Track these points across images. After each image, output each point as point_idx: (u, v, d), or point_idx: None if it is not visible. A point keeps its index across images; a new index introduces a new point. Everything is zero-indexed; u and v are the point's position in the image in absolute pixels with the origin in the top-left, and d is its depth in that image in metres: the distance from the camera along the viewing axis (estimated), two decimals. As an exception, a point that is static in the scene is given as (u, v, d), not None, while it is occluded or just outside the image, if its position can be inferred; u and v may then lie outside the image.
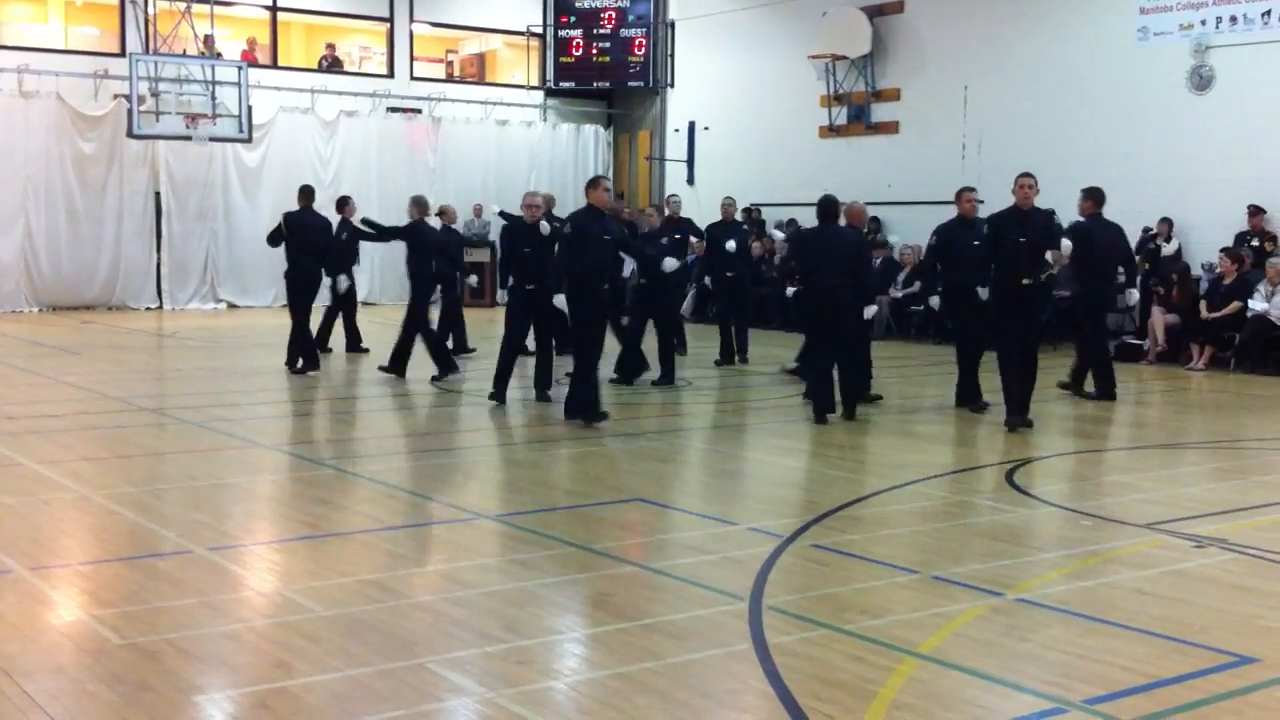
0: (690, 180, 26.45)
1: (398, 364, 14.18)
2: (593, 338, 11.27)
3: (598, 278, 11.19)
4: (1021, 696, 4.90)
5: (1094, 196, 13.47)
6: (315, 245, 14.88)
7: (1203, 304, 16.56)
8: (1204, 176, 18.06)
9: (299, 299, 14.81)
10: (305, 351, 14.75)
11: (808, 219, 22.02)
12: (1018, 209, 11.16)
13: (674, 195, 19.65)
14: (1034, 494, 8.72)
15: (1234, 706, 4.83)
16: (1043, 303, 11.48)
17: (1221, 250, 16.90)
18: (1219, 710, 4.78)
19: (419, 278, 14.43)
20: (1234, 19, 18.05)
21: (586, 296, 11.13)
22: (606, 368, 13.37)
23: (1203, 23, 18.38)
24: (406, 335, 14.27)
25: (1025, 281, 10.98)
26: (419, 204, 14.67)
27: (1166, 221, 18.09)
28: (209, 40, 23.36)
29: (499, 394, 12.28)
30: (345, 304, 16.87)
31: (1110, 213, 13.36)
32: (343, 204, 17.21)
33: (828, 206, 12.03)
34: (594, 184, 11.52)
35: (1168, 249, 18.04)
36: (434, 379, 13.94)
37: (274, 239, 15.08)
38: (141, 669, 5.06)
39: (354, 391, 13.62)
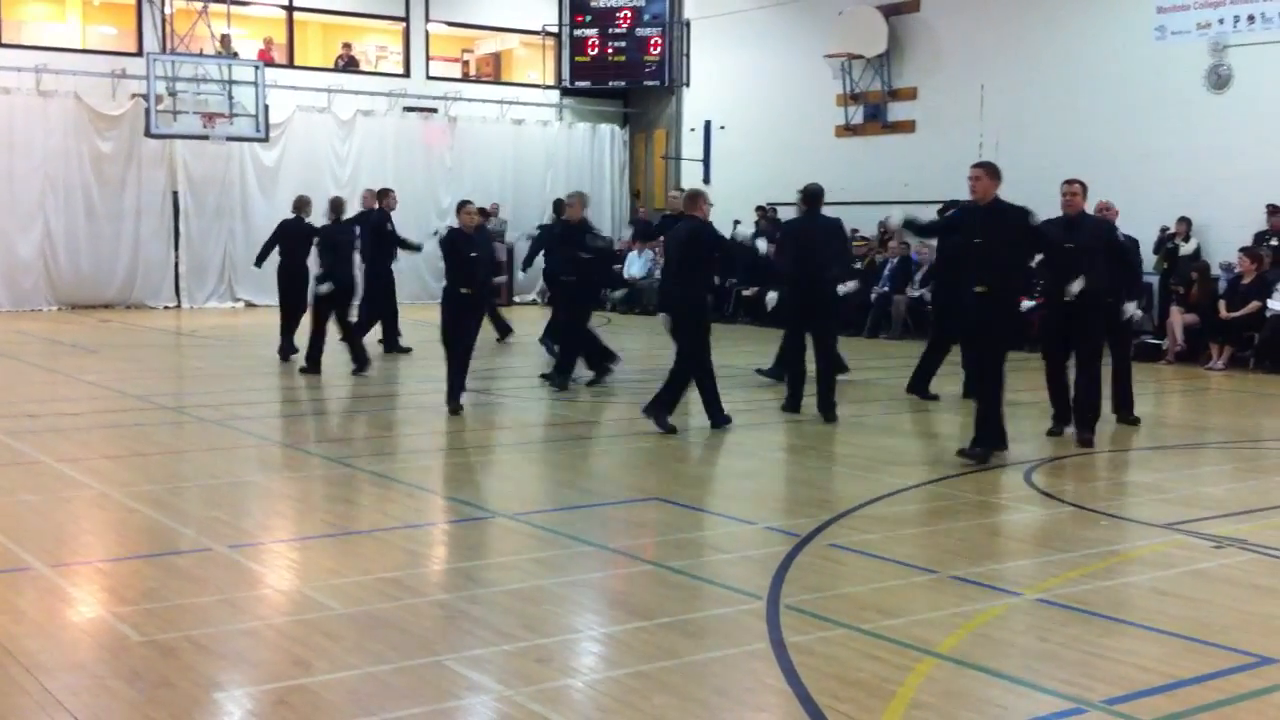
0: (706, 179, 26.41)
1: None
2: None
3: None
4: (1040, 696, 4.89)
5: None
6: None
7: (1222, 303, 16.50)
8: (1222, 175, 17.98)
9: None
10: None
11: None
12: (1065, 216, 10.71)
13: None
14: (1052, 494, 8.70)
15: (1255, 707, 4.81)
16: (1095, 311, 10.51)
17: (1240, 249, 16.84)
18: (1239, 711, 4.77)
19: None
20: (1252, 18, 17.97)
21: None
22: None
23: (1220, 21, 18.30)
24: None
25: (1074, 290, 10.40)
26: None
27: (1185, 221, 18.03)
28: (225, 40, 23.44)
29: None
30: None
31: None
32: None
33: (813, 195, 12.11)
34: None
35: (1186, 248, 17.98)
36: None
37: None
38: (161, 666, 5.08)
39: (371, 390, 13.64)
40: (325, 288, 14.43)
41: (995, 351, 9.74)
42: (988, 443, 9.62)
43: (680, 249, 11.06)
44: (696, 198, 11.37)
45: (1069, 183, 10.79)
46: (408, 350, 16.41)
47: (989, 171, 9.86)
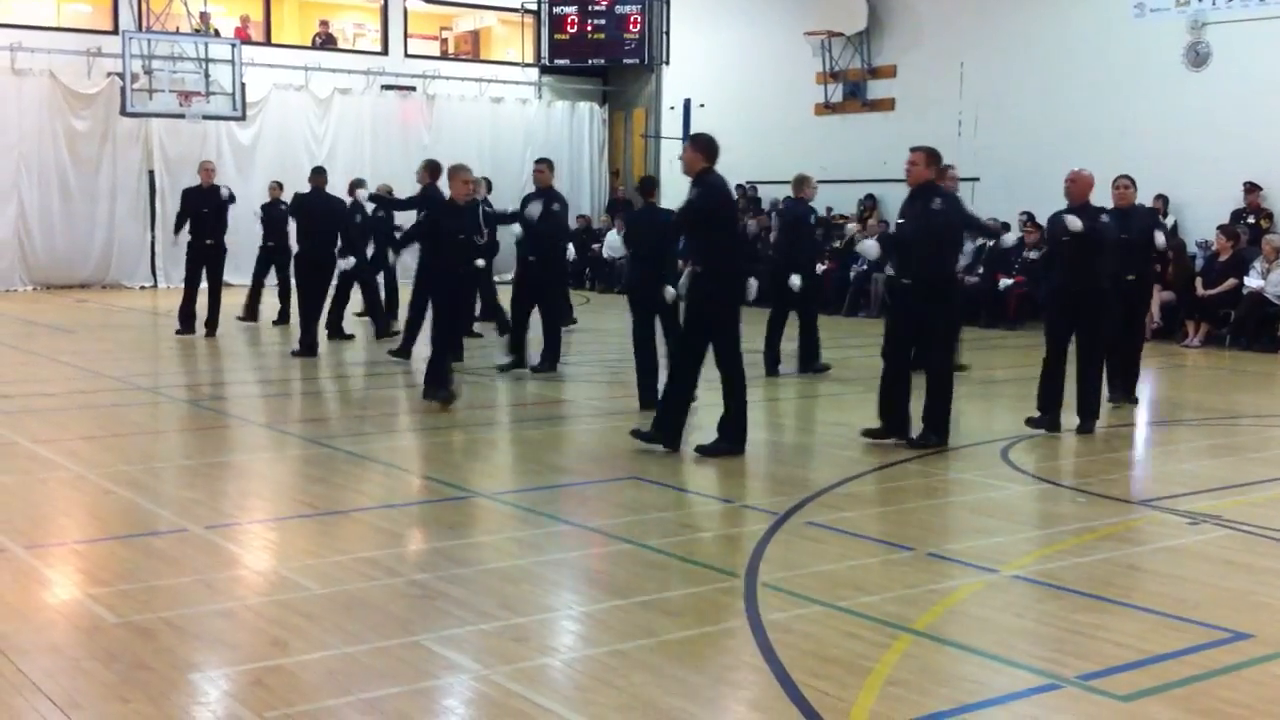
0: (685, 158, 26.37)
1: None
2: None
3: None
4: (1016, 672, 4.91)
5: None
6: (328, 227, 14.61)
7: (1198, 281, 16.56)
8: (1200, 153, 18.03)
9: (315, 282, 14.47)
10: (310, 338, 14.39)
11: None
12: (1117, 208, 11.03)
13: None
14: (1029, 470, 8.73)
15: (1228, 682, 4.84)
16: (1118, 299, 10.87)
17: (1217, 227, 16.90)
18: (1213, 685, 4.79)
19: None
20: (1230, -5, 18.00)
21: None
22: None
23: (1199, -1, 18.33)
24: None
25: (1129, 278, 10.94)
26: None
27: (1161, 198, 18.06)
28: (205, 17, 23.28)
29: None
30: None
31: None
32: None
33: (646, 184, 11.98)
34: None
35: (1163, 226, 18.03)
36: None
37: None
38: (137, 647, 5.06)
39: (347, 370, 13.59)
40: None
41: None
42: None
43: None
44: (805, 182, 12.57)
45: (1123, 177, 11.42)
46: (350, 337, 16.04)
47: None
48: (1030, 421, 10.08)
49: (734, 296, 8.96)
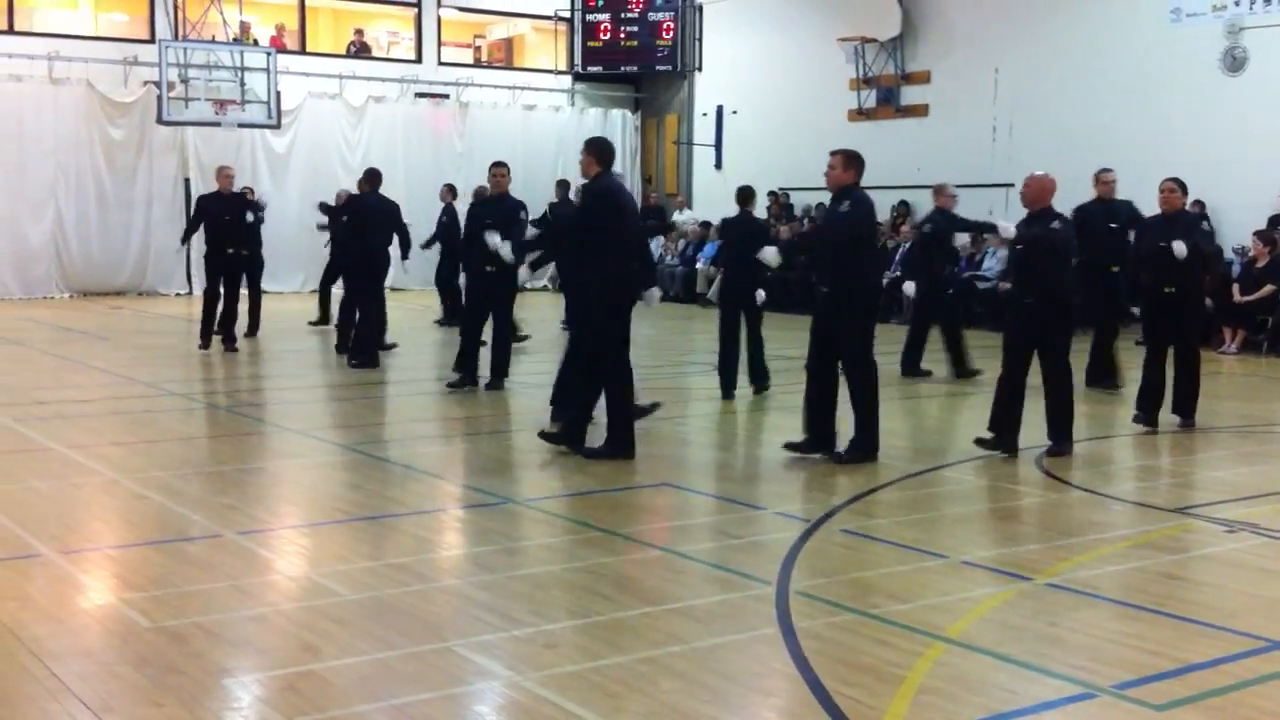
0: (718, 165, 26.38)
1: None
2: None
3: None
4: (1050, 681, 4.87)
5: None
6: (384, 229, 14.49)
7: (1235, 287, 16.42)
8: (1236, 159, 17.87)
9: (371, 285, 14.28)
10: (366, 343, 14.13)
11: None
12: (1162, 214, 10.70)
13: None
14: (1063, 478, 8.66)
15: (1266, 691, 4.79)
16: (1188, 304, 10.63)
17: (1254, 233, 16.76)
18: (1250, 695, 4.74)
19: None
20: (1268, 0, 17.87)
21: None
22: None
23: (1236, 3, 18.18)
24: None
25: (1167, 290, 10.44)
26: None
27: (1198, 204, 17.90)
28: (245, 27, 23.42)
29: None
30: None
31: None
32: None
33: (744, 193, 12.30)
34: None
35: (1199, 232, 17.89)
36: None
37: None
38: (170, 652, 5.08)
39: (379, 377, 13.63)
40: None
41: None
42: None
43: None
44: (940, 190, 13.57)
45: (1170, 180, 10.79)
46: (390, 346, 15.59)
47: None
48: (979, 442, 9.34)
49: (626, 299, 9.24)
